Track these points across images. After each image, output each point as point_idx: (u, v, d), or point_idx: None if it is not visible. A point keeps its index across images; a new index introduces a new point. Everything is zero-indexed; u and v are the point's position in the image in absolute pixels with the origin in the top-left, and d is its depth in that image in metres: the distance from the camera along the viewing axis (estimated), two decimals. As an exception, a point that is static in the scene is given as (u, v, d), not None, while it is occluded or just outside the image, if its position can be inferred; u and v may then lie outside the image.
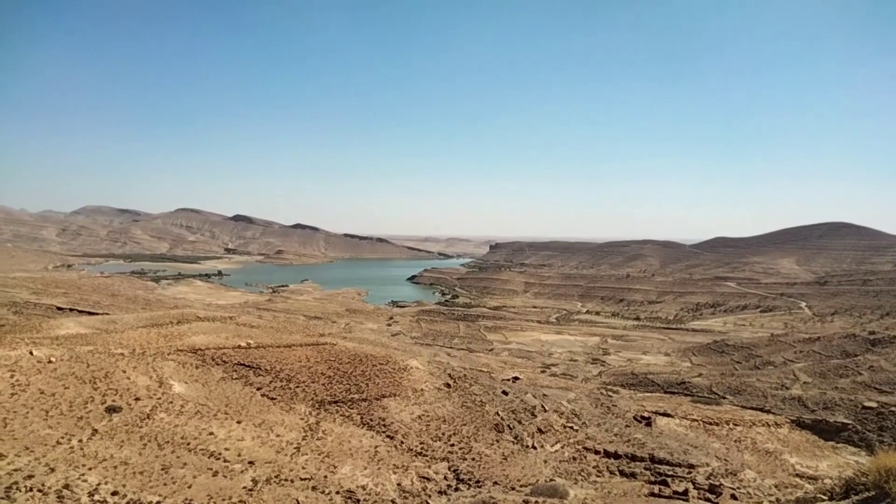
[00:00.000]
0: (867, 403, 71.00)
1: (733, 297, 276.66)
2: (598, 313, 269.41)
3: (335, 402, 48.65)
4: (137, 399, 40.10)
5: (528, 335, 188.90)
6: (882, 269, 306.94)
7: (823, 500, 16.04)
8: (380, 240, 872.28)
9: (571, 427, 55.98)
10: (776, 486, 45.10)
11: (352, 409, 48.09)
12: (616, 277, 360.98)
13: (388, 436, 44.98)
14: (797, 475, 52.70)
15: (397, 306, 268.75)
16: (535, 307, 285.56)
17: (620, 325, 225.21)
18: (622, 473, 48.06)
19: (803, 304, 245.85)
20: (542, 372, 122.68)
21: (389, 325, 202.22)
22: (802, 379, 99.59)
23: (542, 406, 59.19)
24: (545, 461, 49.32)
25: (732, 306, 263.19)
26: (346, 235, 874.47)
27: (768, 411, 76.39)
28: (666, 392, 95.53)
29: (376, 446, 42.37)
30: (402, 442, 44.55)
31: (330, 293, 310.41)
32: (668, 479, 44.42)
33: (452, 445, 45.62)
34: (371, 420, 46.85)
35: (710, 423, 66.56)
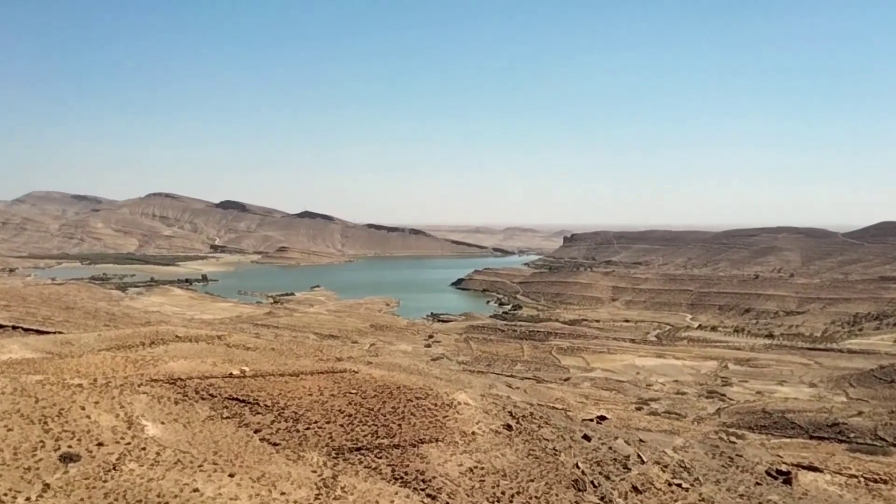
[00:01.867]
0: None
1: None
2: (714, 328, 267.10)
3: (357, 449, 49.03)
4: (100, 444, 41.31)
5: (618, 359, 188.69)
6: None
7: None
8: (414, 231, 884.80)
9: (679, 485, 55.30)
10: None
11: (379, 458, 48.39)
12: (739, 279, 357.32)
13: (428, 495, 45.30)
14: None
15: (439, 321, 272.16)
16: (626, 321, 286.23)
17: (746, 344, 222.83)
18: (754, 551, 46.24)
19: None
20: (638, 409, 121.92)
21: (429, 345, 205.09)
22: None
23: (639, 456, 58.71)
24: (645, 532, 48.32)
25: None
26: (369, 227, 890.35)
27: (967, 466, 71.09)
28: (812, 437, 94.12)
29: (415, 511, 41.69)
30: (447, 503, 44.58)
31: (349, 304, 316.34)
32: (820, 560, 42.64)
33: (517, 509, 44.30)
34: (405, 473, 47.06)
35: (876, 481, 63.99)
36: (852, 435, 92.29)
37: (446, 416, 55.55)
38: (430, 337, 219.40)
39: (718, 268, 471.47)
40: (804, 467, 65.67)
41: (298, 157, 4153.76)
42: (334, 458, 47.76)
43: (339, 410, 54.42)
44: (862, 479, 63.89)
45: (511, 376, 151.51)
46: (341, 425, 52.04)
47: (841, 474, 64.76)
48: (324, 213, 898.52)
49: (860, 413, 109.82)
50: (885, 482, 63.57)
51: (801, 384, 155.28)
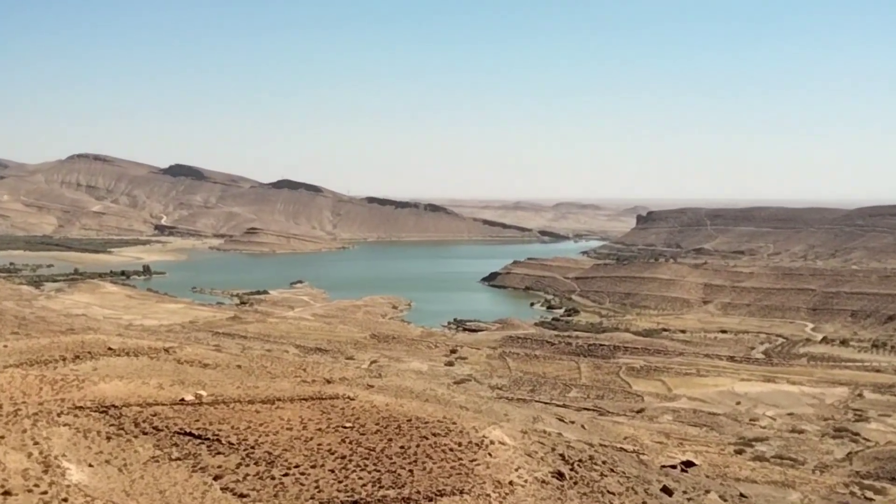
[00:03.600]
0: None
1: None
2: (845, 342, 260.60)
3: (354, 503, 49.26)
4: (6, 494, 41.77)
5: (711, 383, 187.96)
6: None
7: None
8: (432, 208, 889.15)
9: None
10: None
11: (384, 516, 48.62)
12: (881, 275, 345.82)
13: None
14: None
15: (465, 330, 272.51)
16: (723, 331, 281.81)
17: (890, 364, 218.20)
18: None
19: None
20: (739, 453, 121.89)
21: (451, 363, 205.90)
22: None
23: None
24: None
25: None
26: (370, 201, 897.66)
27: None
28: None
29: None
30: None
31: (343, 305, 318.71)
32: None
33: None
34: (418, 538, 47.37)
35: None
36: None
37: (474, 460, 55.81)
38: (453, 352, 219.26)
39: (851, 259, 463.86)
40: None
41: (274, 108, 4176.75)
42: (322, 515, 48.04)
43: (329, 451, 54.81)
44: None
45: (564, 406, 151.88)
46: (331, 471, 52.31)
47: None
48: (309, 182, 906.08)
49: None
50: None
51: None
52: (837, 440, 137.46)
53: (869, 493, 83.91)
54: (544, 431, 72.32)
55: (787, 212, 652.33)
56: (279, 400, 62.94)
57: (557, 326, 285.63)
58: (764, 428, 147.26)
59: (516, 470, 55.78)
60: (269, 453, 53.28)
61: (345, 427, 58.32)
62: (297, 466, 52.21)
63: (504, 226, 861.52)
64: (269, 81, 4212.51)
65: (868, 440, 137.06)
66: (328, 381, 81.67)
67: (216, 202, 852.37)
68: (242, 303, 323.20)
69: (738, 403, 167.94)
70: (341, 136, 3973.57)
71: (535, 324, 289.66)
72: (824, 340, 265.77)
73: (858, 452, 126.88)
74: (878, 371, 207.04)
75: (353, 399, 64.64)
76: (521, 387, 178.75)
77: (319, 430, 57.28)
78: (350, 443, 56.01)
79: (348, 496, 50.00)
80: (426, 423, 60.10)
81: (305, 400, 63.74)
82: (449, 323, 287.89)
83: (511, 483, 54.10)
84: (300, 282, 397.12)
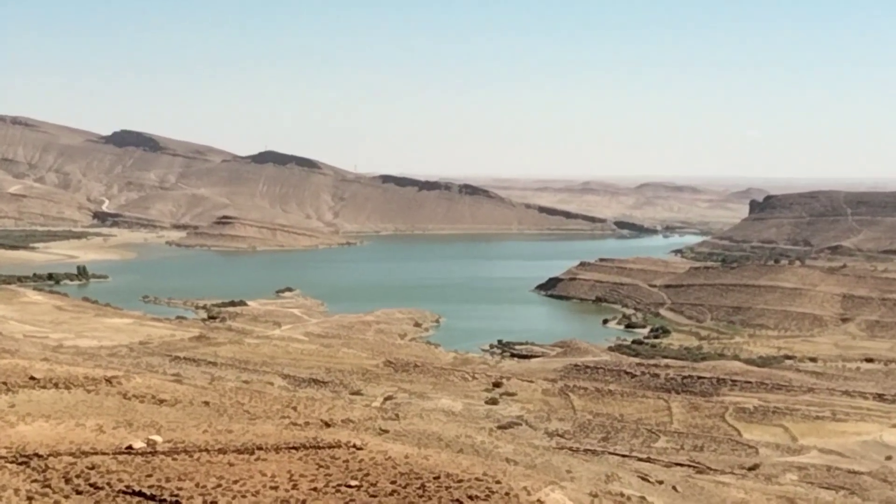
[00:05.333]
0: None
1: None
2: None
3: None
4: None
5: (853, 430, 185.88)
6: None
7: None
8: (469, 190, 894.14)
9: None
10: None
11: None
12: None
13: None
14: None
15: (513, 355, 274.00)
16: (869, 359, 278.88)
17: None
18: None
19: None
20: None
21: (494, 401, 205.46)
22: None
23: None
24: None
25: None
26: (384, 180, 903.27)
27: None
28: None
29: None
30: None
31: (347, 321, 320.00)
32: None
33: None
34: None
35: None
36: None
37: None
38: (497, 385, 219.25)
39: None
40: None
41: (254, 59, 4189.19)
42: None
43: (328, 519, 54.95)
44: None
45: (648, 460, 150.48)
46: (331, 546, 52.49)
47: None
48: (302, 155, 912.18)
49: None
50: None
51: None
52: None
53: None
54: (621, 494, 73.00)
55: None
56: (260, 449, 63.16)
57: (640, 352, 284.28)
58: None
59: (585, 549, 54.37)
60: (247, 522, 53.39)
61: (349, 486, 58.35)
62: (284, 540, 52.37)
63: (568, 215, 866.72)
64: (247, 22, 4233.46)
65: None
66: (327, 425, 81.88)
67: (176, 181, 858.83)
68: (211, 317, 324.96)
69: (889, 458, 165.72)
70: (346, 94, 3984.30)
71: (610, 348, 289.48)
72: None
73: None
74: None
75: (360, 448, 64.86)
76: (589, 433, 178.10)
77: (314, 490, 57.46)
78: (356, 508, 56.16)
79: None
80: (460, 481, 60.33)
81: (296, 449, 63.95)
82: (491, 346, 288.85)
83: (578, 565, 53.49)
84: (289, 289, 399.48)
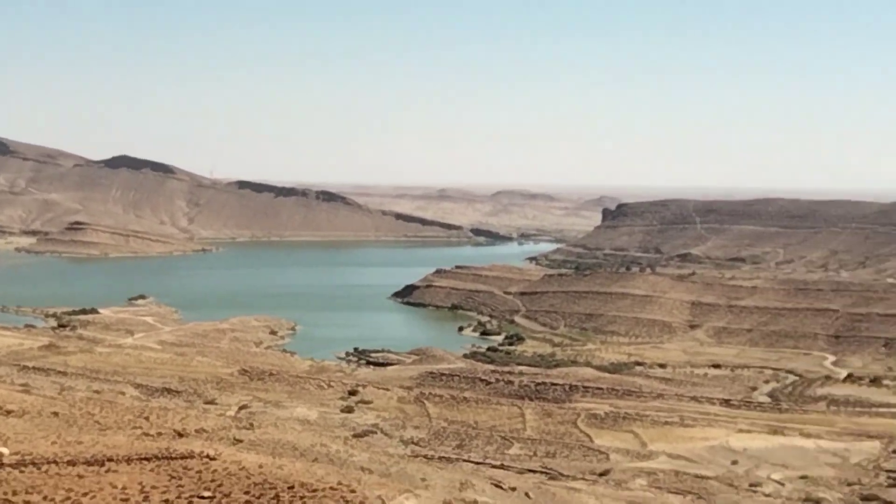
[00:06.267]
0: None
1: None
2: (877, 381, 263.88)
3: None
4: None
5: (699, 436, 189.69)
6: None
7: None
8: (327, 196, 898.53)
9: None
10: None
11: None
12: None
13: None
14: None
15: (369, 363, 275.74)
16: (716, 366, 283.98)
17: None
18: None
19: None
20: None
21: (350, 409, 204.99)
22: None
23: None
24: None
25: None
26: (240, 186, 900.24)
27: None
28: None
29: None
30: None
31: (202, 329, 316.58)
32: None
33: None
34: None
35: None
36: None
37: None
38: (353, 394, 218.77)
39: (887, 269, 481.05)
40: None
41: (109, 59, 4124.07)
42: None
43: (180, 531, 54.29)
44: None
45: (501, 467, 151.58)
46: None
47: None
48: (157, 160, 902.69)
49: None
50: None
51: None
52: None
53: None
54: (475, 501, 74.06)
55: (803, 206, 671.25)
56: (111, 460, 62.22)
57: (495, 359, 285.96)
58: (768, 496, 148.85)
59: (441, 555, 53.11)
60: (96, 535, 52.56)
61: (202, 497, 58.02)
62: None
63: (424, 222, 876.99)
64: (98, 21, 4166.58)
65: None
66: (179, 435, 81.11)
67: (26, 185, 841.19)
68: (61, 325, 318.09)
69: (735, 463, 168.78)
70: (202, 96, 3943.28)
71: (465, 355, 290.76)
72: (850, 378, 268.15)
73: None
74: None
75: (213, 459, 64.42)
76: (444, 441, 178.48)
77: (166, 501, 56.95)
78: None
79: None
80: (314, 490, 60.51)
81: (148, 460, 63.24)
82: (348, 354, 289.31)
83: (433, 573, 52.51)
84: (143, 297, 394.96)
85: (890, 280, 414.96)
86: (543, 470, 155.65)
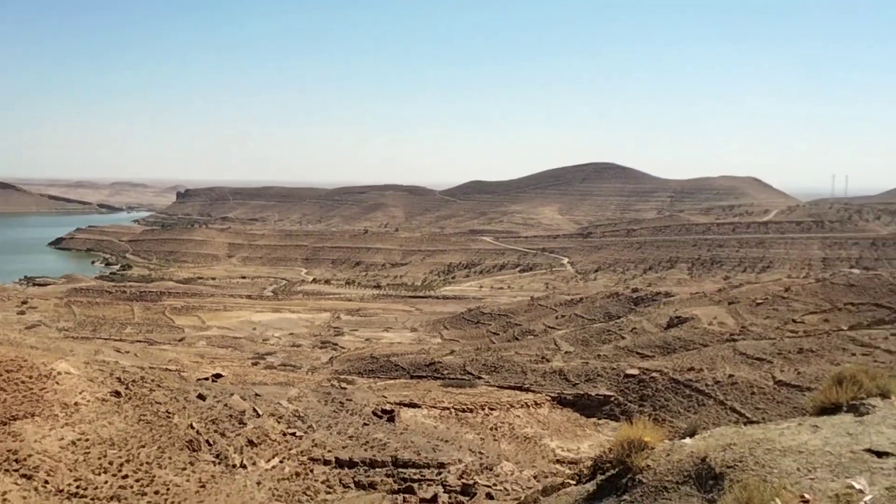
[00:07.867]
0: (629, 371, 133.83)
1: (490, 255, 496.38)
2: (328, 282, 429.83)
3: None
4: None
5: (235, 316, 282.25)
6: (646, 218, 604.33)
7: (570, 485, 29.13)
8: (1, 185, 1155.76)
9: (294, 433, 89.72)
10: (535, 477, 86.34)
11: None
12: (351, 234, 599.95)
13: (23, 475, 61.97)
14: (557, 461, 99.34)
15: (35, 284, 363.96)
16: (243, 277, 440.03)
17: (357, 295, 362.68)
18: (359, 485, 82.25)
19: (566, 261, 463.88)
20: (255, 364, 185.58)
21: (23, 312, 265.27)
22: (564, 348, 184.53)
23: (254, 410, 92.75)
24: (258, 483, 76.81)
25: (489, 266, 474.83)
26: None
27: (528, 389, 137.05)
28: (413, 377, 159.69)
29: (4, 493, 57.23)
30: (45, 482, 62.36)
31: None
32: (415, 485, 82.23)
33: (125, 478, 67.93)
34: (-6, 455, 62.26)
35: (464, 411, 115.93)
36: (446, 372, 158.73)
37: (44, 389, 75.87)
38: (25, 303, 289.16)
39: (332, 223, 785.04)
40: (405, 405, 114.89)
41: None
42: None
43: None
44: (453, 410, 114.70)
45: (120, 340, 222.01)
46: None
47: (436, 408, 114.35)
48: None
49: (452, 352, 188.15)
50: (471, 410, 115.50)
51: (404, 329, 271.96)
52: (323, 350, 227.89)
53: (343, 384, 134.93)
54: (104, 361, 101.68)
55: (287, 190, 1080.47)
56: None
57: (114, 279, 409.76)
58: (272, 345, 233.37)
59: (80, 393, 77.22)
60: None
61: None
62: None
63: (68, 200, 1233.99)
64: None
65: (343, 348, 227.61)
66: None
67: None
68: None
69: (254, 329, 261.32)
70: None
71: (96, 277, 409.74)
72: (314, 281, 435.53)
73: (337, 357, 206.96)
74: (349, 300, 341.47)
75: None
76: (84, 328, 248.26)
77: None
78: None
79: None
80: (1, 361, 78.54)
81: None
82: (20, 280, 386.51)
83: (76, 404, 74.81)
84: None
85: (333, 229, 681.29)
86: (145, 340, 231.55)
